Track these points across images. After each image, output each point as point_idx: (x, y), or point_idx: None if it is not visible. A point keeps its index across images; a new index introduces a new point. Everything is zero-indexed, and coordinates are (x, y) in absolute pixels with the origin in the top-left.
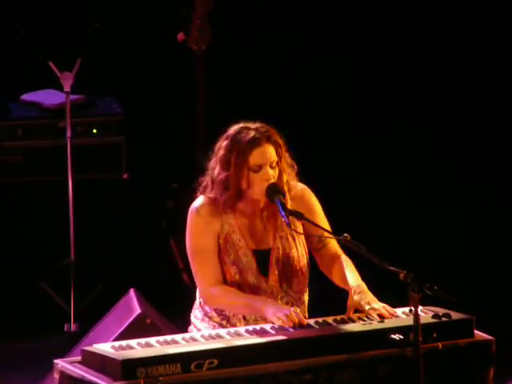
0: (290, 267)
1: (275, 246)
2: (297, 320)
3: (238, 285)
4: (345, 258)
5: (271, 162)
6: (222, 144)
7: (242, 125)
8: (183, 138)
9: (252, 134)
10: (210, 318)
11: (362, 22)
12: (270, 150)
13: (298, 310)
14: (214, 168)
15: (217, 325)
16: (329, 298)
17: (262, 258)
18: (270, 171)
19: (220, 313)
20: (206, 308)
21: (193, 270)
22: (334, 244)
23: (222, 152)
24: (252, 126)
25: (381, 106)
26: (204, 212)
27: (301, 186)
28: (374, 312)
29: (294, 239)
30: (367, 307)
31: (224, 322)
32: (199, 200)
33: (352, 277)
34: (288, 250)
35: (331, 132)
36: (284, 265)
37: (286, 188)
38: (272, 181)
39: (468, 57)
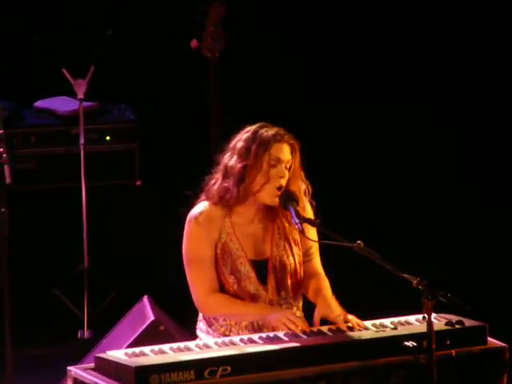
0: (287, 275)
1: (272, 254)
2: (301, 325)
3: (237, 294)
4: (324, 277)
5: (287, 160)
6: (242, 137)
7: (262, 123)
8: (197, 145)
9: (274, 130)
10: (215, 330)
11: (372, 25)
12: (289, 151)
13: (299, 313)
14: (230, 160)
15: (221, 336)
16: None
17: (260, 267)
18: (285, 170)
19: (223, 323)
20: (209, 319)
21: (188, 278)
22: (317, 262)
23: (241, 144)
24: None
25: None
26: (202, 220)
27: (305, 186)
28: (342, 320)
29: (290, 247)
30: (335, 316)
31: (227, 332)
32: (198, 207)
33: (325, 292)
34: (285, 258)
35: (340, 137)
36: (281, 273)
37: (301, 195)
38: (283, 181)
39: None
